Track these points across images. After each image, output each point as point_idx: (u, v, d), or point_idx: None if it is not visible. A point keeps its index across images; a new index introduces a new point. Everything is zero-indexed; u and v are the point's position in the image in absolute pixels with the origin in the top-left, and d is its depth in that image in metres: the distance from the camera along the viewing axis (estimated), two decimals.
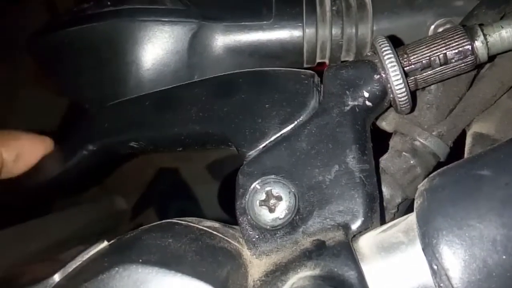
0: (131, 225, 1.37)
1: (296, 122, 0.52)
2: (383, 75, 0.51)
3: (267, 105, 0.53)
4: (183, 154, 1.36)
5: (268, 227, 0.49)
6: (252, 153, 0.52)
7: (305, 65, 0.68)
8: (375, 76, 0.52)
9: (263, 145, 0.52)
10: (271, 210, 0.49)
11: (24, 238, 1.06)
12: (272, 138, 0.52)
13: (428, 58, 0.52)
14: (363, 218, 0.47)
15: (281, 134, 0.52)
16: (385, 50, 0.51)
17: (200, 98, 0.57)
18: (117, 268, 0.43)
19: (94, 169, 0.67)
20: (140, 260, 0.43)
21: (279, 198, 0.49)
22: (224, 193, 1.34)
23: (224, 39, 0.66)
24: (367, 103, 0.51)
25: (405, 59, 0.52)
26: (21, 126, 0.69)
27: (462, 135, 0.59)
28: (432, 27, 0.64)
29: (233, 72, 0.58)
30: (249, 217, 0.49)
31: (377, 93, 0.52)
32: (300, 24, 0.66)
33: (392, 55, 0.51)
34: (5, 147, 0.62)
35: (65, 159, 0.64)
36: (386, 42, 0.52)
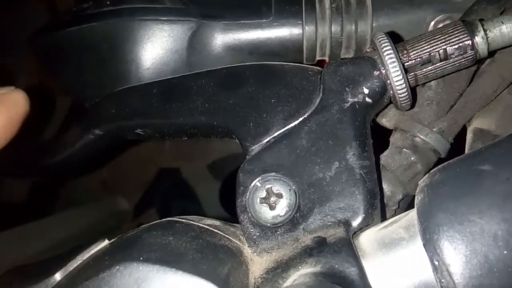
0: (133, 225, 1.37)
1: (300, 119, 0.52)
2: (383, 71, 0.51)
3: (273, 100, 0.53)
4: (184, 154, 1.37)
5: (268, 224, 0.49)
6: (255, 147, 0.52)
7: (304, 63, 0.68)
8: (374, 72, 0.51)
9: (267, 140, 0.52)
10: (272, 208, 0.49)
11: (27, 239, 1.06)
12: (276, 134, 0.52)
13: (428, 53, 0.51)
14: (363, 215, 0.47)
15: (284, 130, 0.52)
16: (385, 46, 0.51)
17: (206, 89, 0.57)
18: (118, 267, 0.43)
19: (100, 153, 0.67)
20: (141, 258, 0.43)
21: (279, 196, 0.49)
22: (225, 192, 1.34)
23: (223, 38, 0.66)
24: (367, 99, 0.51)
25: (405, 55, 0.52)
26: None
27: (463, 131, 0.59)
28: (432, 23, 0.64)
29: (241, 64, 0.59)
30: (250, 214, 0.49)
31: (377, 89, 0.51)
32: (299, 22, 0.65)
33: (392, 51, 0.50)
34: None
35: (72, 142, 0.65)
36: (385, 38, 0.51)
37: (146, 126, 0.60)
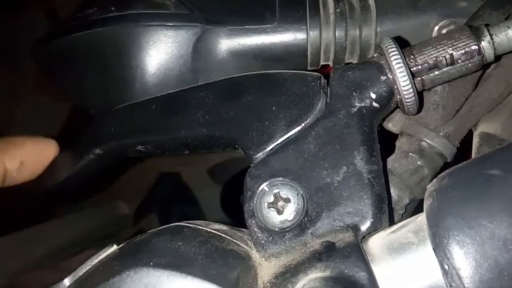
0: (134, 230, 1.37)
1: (303, 124, 0.52)
2: (390, 76, 0.51)
3: (273, 108, 0.54)
4: (184, 159, 1.36)
5: (276, 229, 0.48)
6: (260, 155, 0.52)
7: (309, 68, 0.68)
8: (381, 77, 0.52)
9: (271, 147, 0.52)
10: (280, 212, 0.49)
11: (27, 244, 1.06)
12: (279, 141, 0.52)
13: (434, 58, 0.52)
14: (372, 219, 0.47)
15: (288, 137, 0.52)
16: (392, 52, 0.51)
17: (206, 101, 0.57)
18: (128, 272, 0.43)
19: (102, 173, 0.67)
20: (151, 263, 0.43)
21: (287, 200, 0.49)
22: (226, 196, 1.34)
23: (228, 43, 0.66)
24: (374, 104, 0.51)
25: (411, 60, 0.52)
26: (25, 133, 0.68)
27: (469, 135, 0.59)
28: (436, 28, 0.64)
29: (239, 75, 0.58)
30: (258, 219, 0.49)
31: (384, 94, 0.52)
32: (303, 27, 0.66)
33: (399, 56, 0.51)
34: (7, 156, 0.60)
35: (72, 163, 0.64)
36: (392, 43, 0.52)
37: (147, 142, 0.60)
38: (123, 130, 0.62)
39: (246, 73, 0.59)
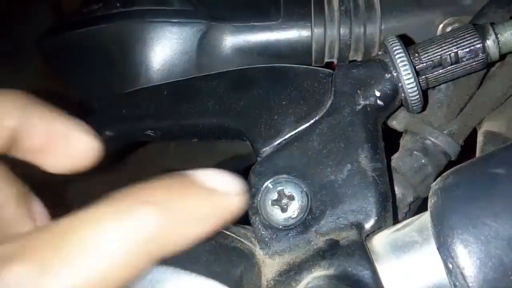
0: None
1: (312, 121, 0.52)
2: (395, 74, 0.51)
3: (284, 102, 0.53)
4: (189, 155, 1.36)
5: (280, 226, 0.48)
6: (267, 149, 0.52)
7: (313, 65, 0.68)
8: (386, 75, 0.52)
9: (278, 142, 0.52)
10: (283, 210, 0.48)
11: None
12: (287, 136, 0.52)
13: (439, 56, 0.52)
14: (376, 217, 0.47)
15: (296, 132, 0.52)
16: (396, 50, 0.51)
17: (218, 90, 0.57)
18: None
19: (110, 154, 0.67)
20: None
21: (291, 198, 0.49)
22: None
23: (232, 40, 0.66)
24: (379, 102, 0.51)
25: (416, 58, 0.52)
26: None
27: (473, 134, 0.59)
28: (441, 26, 0.64)
29: (251, 66, 0.58)
30: (261, 216, 0.49)
31: (389, 92, 0.52)
32: (308, 24, 0.66)
33: (404, 54, 0.51)
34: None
35: None
36: (397, 41, 0.52)
37: (156, 127, 0.60)
38: (134, 113, 0.62)
39: (258, 65, 0.59)
